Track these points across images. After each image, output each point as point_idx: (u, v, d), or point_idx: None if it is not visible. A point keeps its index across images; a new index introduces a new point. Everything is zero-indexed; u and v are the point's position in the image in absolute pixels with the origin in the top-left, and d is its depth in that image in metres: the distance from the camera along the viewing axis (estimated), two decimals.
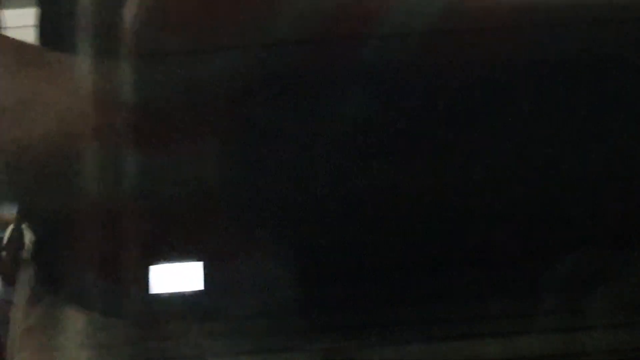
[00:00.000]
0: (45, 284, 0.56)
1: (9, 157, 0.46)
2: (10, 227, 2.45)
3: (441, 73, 0.41)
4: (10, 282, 2.39)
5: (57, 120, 0.45)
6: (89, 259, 0.44)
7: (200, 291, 0.43)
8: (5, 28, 0.55)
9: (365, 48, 0.41)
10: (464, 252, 0.43)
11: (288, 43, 0.41)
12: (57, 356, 0.53)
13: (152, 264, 0.43)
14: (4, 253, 2.46)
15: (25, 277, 0.60)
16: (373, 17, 0.40)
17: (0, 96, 0.46)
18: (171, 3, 0.41)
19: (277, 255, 0.42)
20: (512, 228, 0.43)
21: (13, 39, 0.52)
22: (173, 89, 0.41)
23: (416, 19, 0.40)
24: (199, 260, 0.43)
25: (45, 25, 0.53)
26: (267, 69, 0.41)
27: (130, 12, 0.41)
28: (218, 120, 0.42)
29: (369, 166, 0.42)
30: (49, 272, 0.56)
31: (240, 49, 0.41)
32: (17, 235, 2.45)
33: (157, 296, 0.43)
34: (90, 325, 0.46)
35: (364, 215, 0.43)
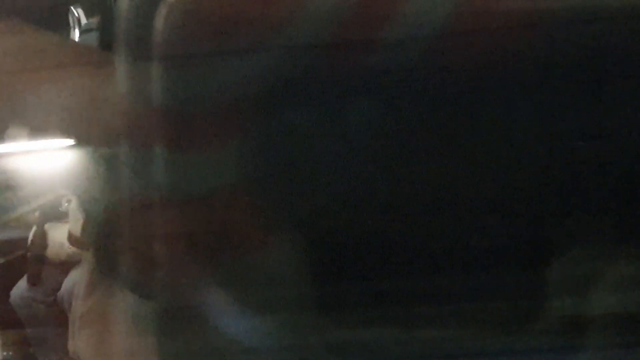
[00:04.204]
0: (101, 272, 0.60)
1: (77, 153, 0.49)
2: (34, 229, 2.48)
3: (458, 74, 0.41)
4: (36, 281, 2.43)
5: (113, 116, 0.47)
6: (139, 250, 0.46)
7: (224, 285, 0.45)
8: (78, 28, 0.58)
9: (384, 51, 0.41)
10: (469, 253, 0.43)
11: (316, 46, 0.42)
12: (111, 336, 0.57)
13: (193, 255, 0.44)
14: (29, 253, 2.49)
15: (86, 265, 0.65)
16: (391, 20, 0.41)
17: (62, 95, 0.49)
18: (201, 7, 0.43)
19: (298, 254, 0.44)
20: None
21: (79, 43, 0.55)
22: (204, 90, 0.43)
23: (431, 22, 0.40)
24: (228, 255, 0.45)
25: (102, 29, 0.56)
26: (297, 70, 0.42)
27: (161, 16, 0.43)
28: (249, 121, 0.43)
29: (387, 168, 0.43)
30: (105, 262, 0.59)
31: (270, 52, 0.42)
32: (41, 236, 2.48)
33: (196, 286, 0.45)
34: (141, 309, 0.49)
35: (385, 215, 0.43)
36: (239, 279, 0.45)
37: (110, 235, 0.50)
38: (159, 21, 0.43)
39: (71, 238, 2.37)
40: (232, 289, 0.45)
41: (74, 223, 2.32)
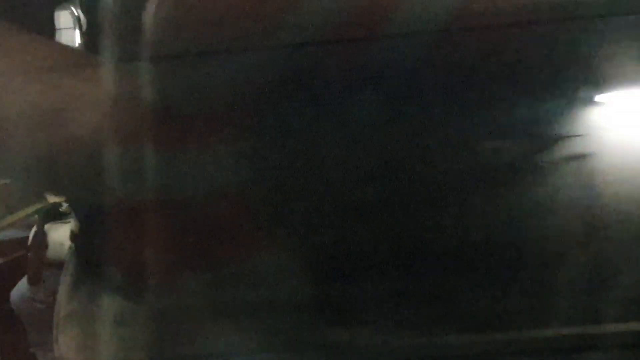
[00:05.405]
0: (84, 274, 0.60)
1: (60, 154, 0.50)
2: (34, 229, 2.48)
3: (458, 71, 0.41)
4: (36, 281, 2.44)
5: (101, 118, 0.47)
6: (122, 252, 0.47)
7: (219, 285, 0.46)
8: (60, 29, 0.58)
9: (382, 48, 0.42)
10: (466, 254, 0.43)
11: (305, 44, 0.42)
12: (93, 338, 0.58)
13: (178, 258, 0.45)
14: (29, 254, 2.50)
15: (70, 267, 0.65)
16: (389, 17, 0.41)
17: (49, 98, 0.49)
18: (188, 7, 0.43)
19: (294, 253, 0.44)
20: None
21: (64, 44, 0.55)
22: (193, 90, 0.43)
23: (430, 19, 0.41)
24: (219, 255, 0.46)
25: (85, 29, 0.56)
26: (286, 69, 0.43)
27: (149, 16, 0.43)
28: (237, 121, 0.43)
29: (384, 168, 0.43)
30: (88, 264, 0.60)
31: (257, 51, 0.42)
32: (41, 236, 2.49)
33: (181, 288, 0.45)
34: (123, 310, 0.50)
35: (379, 215, 0.44)
36: (228, 281, 0.45)
37: (96, 235, 0.50)
38: (146, 19, 0.43)
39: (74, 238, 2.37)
40: (220, 291, 0.45)
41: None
